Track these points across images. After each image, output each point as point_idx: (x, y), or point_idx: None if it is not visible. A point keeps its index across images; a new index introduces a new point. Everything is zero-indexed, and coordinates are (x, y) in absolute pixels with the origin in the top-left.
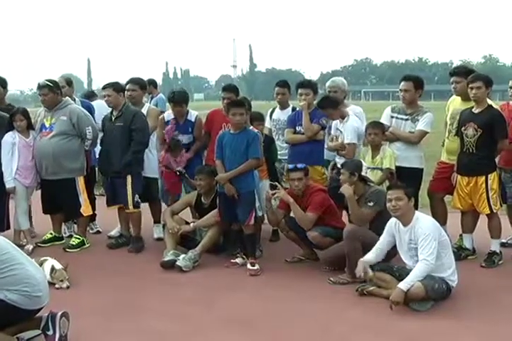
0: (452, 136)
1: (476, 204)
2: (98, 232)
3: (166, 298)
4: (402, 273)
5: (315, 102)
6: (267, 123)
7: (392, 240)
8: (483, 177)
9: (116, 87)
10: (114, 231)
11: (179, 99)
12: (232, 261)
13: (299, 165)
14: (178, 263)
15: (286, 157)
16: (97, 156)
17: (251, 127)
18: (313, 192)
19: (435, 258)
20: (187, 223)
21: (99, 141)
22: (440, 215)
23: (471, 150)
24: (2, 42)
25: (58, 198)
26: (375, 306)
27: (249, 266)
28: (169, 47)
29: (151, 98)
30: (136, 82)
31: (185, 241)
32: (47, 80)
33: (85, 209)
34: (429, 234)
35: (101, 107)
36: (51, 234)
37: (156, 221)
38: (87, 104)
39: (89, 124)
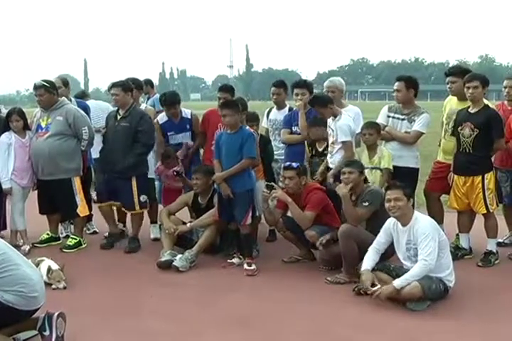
0: (448, 136)
1: (472, 204)
2: (95, 233)
3: (163, 298)
4: (399, 273)
5: None
6: (264, 123)
7: (389, 240)
8: (480, 177)
9: (124, 87)
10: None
11: (171, 101)
12: (228, 261)
13: (294, 164)
14: (174, 263)
15: (282, 157)
16: (94, 156)
17: (247, 127)
18: (311, 190)
19: (434, 258)
20: (184, 223)
21: (100, 139)
22: (436, 215)
23: (467, 150)
24: None
25: (55, 199)
26: (371, 306)
27: (245, 266)
28: (166, 47)
29: (148, 98)
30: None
31: (182, 241)
32: (43, 81)
33: (82, 210)
34: (428, 234)
35: (94, 108)
36: (48, 234)
37: (153, 221)
38: (83, 105)
39: (86, 125)
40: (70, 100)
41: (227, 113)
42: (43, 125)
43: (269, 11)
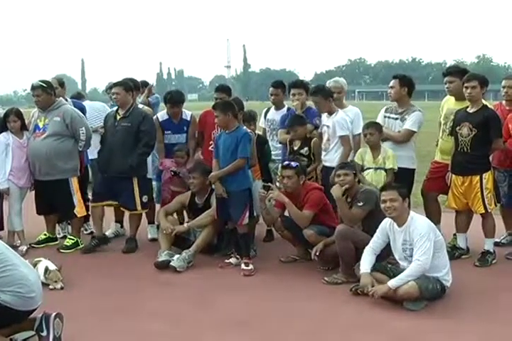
0: (446, 136)
1: (470, 203)
2: (92, 233)
3: (160, 299)
4: (396, 273)
5: (308, 102)
6: (262, 123)
7: (386, 240)
8: (478, 177)
9: (126, 86)
10: (108, 232)
11: (176, 99)
12: (226, 261)
13: (292, 163)
14: (172, 263)
15: (280, 157)
16: (91, 156)
17: (244, 127)
18: (309, 190)
19: (429, 258)
20: (181, 223)
21: (98, 139)
22: (434, 215)
23: (465, 150)
24: None
25: (52, 199)
26: (369, 305)
27: (243, 266)
28: (163, 47)
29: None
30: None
31: (180, 241)
32: (40, 81)
33: (79, 210)
34: (424, 234)
35: (89, 108)
36: (45, 234)
37: (150, 221)
38: (80, 105)
39: (83, 125)
40: (66, 100)
41: (217, 114)
42: (41, 125)
43: (267, 11)
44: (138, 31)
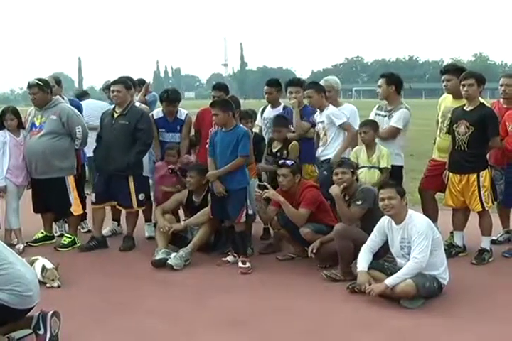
0: (444, 134)
1: (468, 201)
2: (89, 231)
3: (157, 297)
4: (393, 271)
5: (305, 100)
6: (258, 122)
7: (383, 239)
8: (475, 175)
9: (126, 84)
10: (106, 230)
11: (172, 98)
12: (223, 259)
13: (288, 162)
14: (169, 261)
15: None
16: (88, 154)
17: (241, 125)
18: (305, 188)
19: (426, 256)
20: (178, 221)
21: (95, 137)
22: (431, 213)
23: (462, 148)
24: None
25: (48, 197)
26: (366, 303)
27: (240, 264)
28: (160, 45)
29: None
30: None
31: (177, 239)
32: (37, 79)
33: (75, 209)
34: (422, 232)
35: (92, 107)
36: (42, 233)
37: (147, 220)
38: (76, 103)
39: (79, 124)
40: (63, 98)
41: (217, 112)
42: (37, 124)
43: (264, 9)
44: (135, 29)
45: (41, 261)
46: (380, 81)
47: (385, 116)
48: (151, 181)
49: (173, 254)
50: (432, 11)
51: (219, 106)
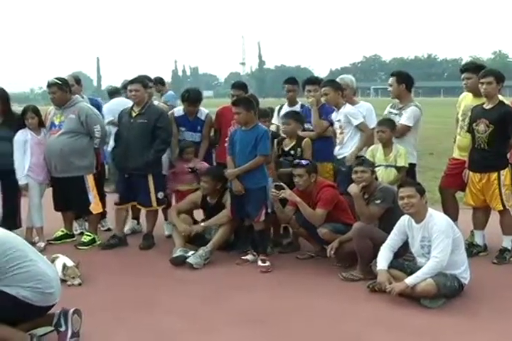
0: (464, 133)
1: (488, 200)
2: (109, 230)
3: (177, 295)
4: (413, 270)
5: (322, 99)
6: (275, 120)
7: (403, 238)
8: (496, 174)
9: (144, 83)
10: (126, 229)
11: (194, 98)
12: (242, 257)
13: (303, 162)
14: (189, 260)
15: None
16: (108, 152)
17: (260, 124)
18: (322, 188)
19: (447, 255)
20: (195, 221)
21: (113, 136)
22: (451, 211)
23: (482, 146)
24: (12, 41)
25: (68, 196)
26: (386, 303)
27: (260, 262)
28: (178, 45)
29: (161, 95)
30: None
31: (195, 238)
32: (56, 78)
33: (95, 207)
34: (443, 231)
35: (123, 105)
36: (62, 231)
37: (167, 218)
38: (96, 102)
39: (98, 123)
40: (82, 97)
41: (240, 110)
42: (56, 123)
43: (282, 8)
44: (153, 29)
45: (62, 259)
46: (391, 80)
47: (397, 114)
48: None
49: (192, 252)
50: (450, 9)
51: (242, 105)
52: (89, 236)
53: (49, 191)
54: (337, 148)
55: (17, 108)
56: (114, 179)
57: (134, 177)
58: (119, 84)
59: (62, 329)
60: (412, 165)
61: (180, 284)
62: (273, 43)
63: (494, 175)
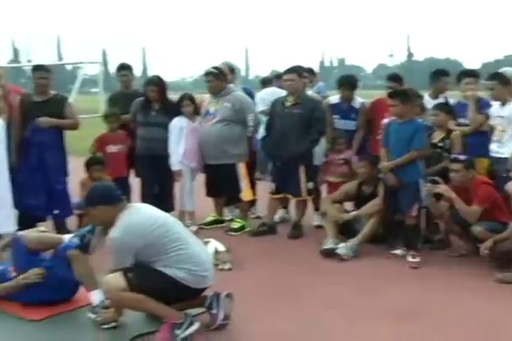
0: None
1: None
2: (258, 217)
3: (324, 285)
4: None
5: (481, 92)
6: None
7: None
8: None
9: (299, 72)
10: (275, 217)
11: (350, 82)
12: (392, 252)
13: (461, 157)
14: (338, 251)
15: None
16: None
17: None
18: (478, 184)
19: None
20: (347, 211)
21: (264, 125)
22: None
23: None
24: (164, 32)
25: (220, 182)
26: None
27: (409, 258)
28: (325, 36)
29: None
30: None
31: (345, 229)
32: (212, 67)
33: (246, 195)
34: None
35: (272, 94)
36: (213, 216)
37: (316, 208)
38: (249, 91)
39: (252, 111)
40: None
41: (396, 103)
42: (212, 110)
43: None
44: (300, 20)
45: (213, 244)
46: None
47: None
48: None
49: (342, 244)
50: None
51: (398, 97)
52: (240, 222)
53: (201, 177)
54: (494, 145)
55: (171, 96)
56: (260, 167)
57: (286, 166)
58: (266, 74)
59: (214, 311)
60: None
61: (327, 274)
62: (422, 35)
63: None
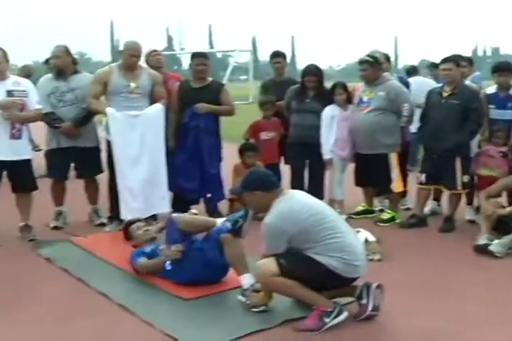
0: None
1: None
2: (408, 209)
3: (475, 282)
4: None
5: None
6: None
7: None
8: None
9: (457, 62)
10: (425, 209)
11: (504, 67)
12: None
13: None
14: (490, 247)
15: None
16: (413, 130)
17: None
18: None
19: None
20: (503, 207)
21: (419, 115)
22: None
23: None
24: (315, 19)
25: (370, 172)
26: None
27: None
28: (479, 24)
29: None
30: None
31: (501, 225)
32: (367, 55)
33: (397, 186)
34: None
35: (420, 83)
36: (363, 206)
37: (469, 202)
38: (405, 81)
39: (407, 101)
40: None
41: None
42: (365, 99)
43: None
44: (452, 8)
45: (364, 234)
46: None
47: None
48: None
49: (496, 241)
50: None
51: None
52: (389, 213)
53: (351, 166)
54: None
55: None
56: (410, 159)
57: (442, 158)
58: (415, 63)
59: (364, 301)
60: None
61: (478, 271)
62: None
63: None
